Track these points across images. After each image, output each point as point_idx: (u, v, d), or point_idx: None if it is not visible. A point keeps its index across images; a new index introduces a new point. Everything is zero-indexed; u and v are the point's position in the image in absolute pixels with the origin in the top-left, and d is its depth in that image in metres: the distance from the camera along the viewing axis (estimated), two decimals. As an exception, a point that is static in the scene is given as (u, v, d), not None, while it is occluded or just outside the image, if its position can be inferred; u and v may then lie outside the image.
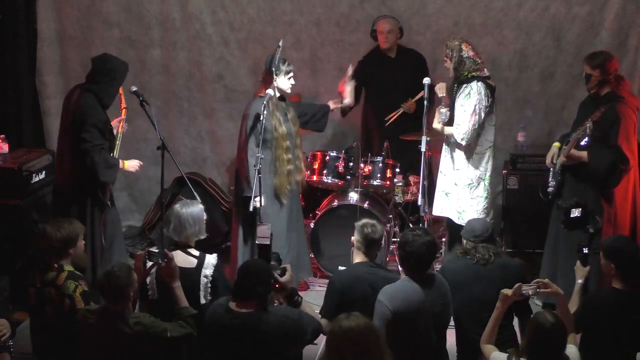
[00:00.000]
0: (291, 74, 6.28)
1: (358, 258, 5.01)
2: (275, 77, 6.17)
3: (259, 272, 4.44)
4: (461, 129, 6.24)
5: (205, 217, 5.21)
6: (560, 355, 4.18)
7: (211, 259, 5.02)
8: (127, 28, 7.99)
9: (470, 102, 6.24)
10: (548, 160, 6.22)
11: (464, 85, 6.29)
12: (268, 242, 4.82)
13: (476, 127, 6.26)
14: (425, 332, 4.68)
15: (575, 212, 5.27)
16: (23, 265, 6.19)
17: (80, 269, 4.97)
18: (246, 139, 6.20)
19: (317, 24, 7.90)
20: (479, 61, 6.33)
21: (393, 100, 7.28)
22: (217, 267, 5.00)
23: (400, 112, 7.20)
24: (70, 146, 6.06)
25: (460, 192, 6.38)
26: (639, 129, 6.21)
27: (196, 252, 5.04)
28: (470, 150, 6.35)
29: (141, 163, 6.39)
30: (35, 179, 6.67)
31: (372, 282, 4.82)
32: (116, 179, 6.20)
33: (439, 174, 6.54)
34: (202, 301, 4.90)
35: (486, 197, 6.44)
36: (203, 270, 4.95)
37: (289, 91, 6.30)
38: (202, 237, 5.16)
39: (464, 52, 6.28)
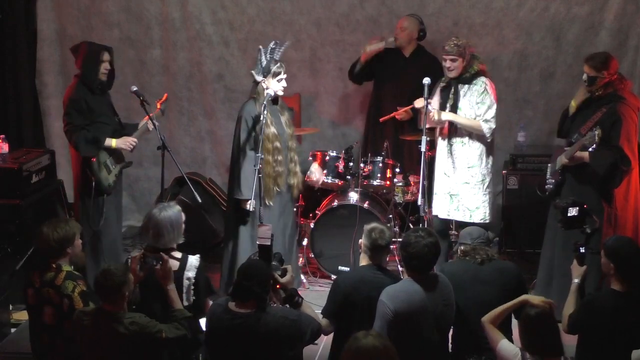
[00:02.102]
0: (280, 76, 6.16)
1: (364, 261, 5.00)
2: (262, 80, 6.13)
3: (258, 273, 4.43)
4: (492, 125, 6.33)
5: (183, 219, 5.04)
6: (554, 342, 4.22)
7: (193, 261, 4.93)
8: (127, 28, 7.99)
9: (489, 97, 6.32)
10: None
11: (472, 83, 6.32)
12: (269, 243, 4.80)
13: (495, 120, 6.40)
14: (427, 333, 4.68)
15: (573, 211, 5.26)
16: (23, 265, 6.19)
17: (79, 268, 4.96)
18: (239, 141, 6.18)
19: (317, 24, 7.90)
20: (479, 56, 6.42)
21: (399, 98, 7.28)
22: (200, 269, 4.92)
23: (392, 116, 7.21)
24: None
25: (473, 190, 6.39)
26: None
27: (178, 254, 4.94)
28: (484, 145, 6.37)
29: (135, 140, 6.36)
30: (35, 179, 6.67)
31: (377, 285, 4.80)
32: (98, 153, 6.25)
33: (442, 175, 6.49)
34: (185, 303, 4.82)
35: (491, 192, 6.47)
36: (185, 272, 4.86)
37: (280, 93, 6.23)
38: (180, 241, 5.01)
39: (470, 48, 6.36)
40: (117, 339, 4.38)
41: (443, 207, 6.46)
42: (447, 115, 6.34)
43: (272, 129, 6.17)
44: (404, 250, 4.76)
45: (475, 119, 6.34)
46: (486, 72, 6.41)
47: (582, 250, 5.03)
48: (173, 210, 5.00)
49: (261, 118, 6.00)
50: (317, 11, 7.87)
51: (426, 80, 6.22)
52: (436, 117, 6.28)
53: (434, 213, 6.47)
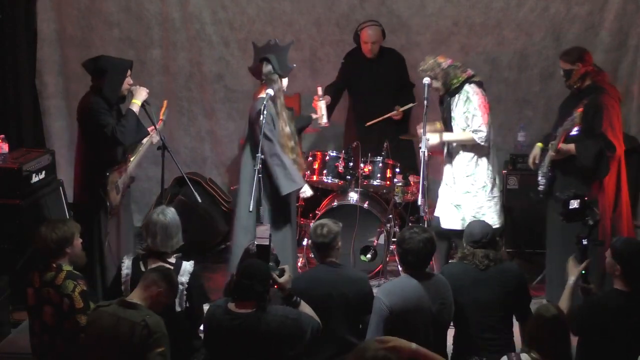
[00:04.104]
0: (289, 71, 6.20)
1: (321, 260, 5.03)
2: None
3: (257, 272, 4.44)
4: (482, 133, 6.22)
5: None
6: (565, 346, 4.20)
7: (187, 266, 4.95)
8: (127, 28, 7.99)
9: (473, 105, 6.22)
10: (530, 161, 6.23)
11: (457, 94, 6.23)
12: (267, 243, 4.80)
13: (489, 122, 6.29)
14: (423, 330, 4.69)
15: (574, 204, 5.27)
16: (23, 265, 6.19)
17: (79, 268, 4.96)
18: (269, 140, 5.97)
19: (317, 24, 7.90)
20: (459, 64, 6.31)
21: (375, 102, 7.26)
22: (194, 274, 4.94)
23: (385, 117, 7.19)
24: (79, 149, 6.08)
25: (476, 197, 6.32)
26: (622, 119, 6.26)
27: (172, 259, 4.97)
28: (480, 151, 6.33)
29: (147, 91, 6.12)
30: (35, 179, 6.66)
31: (332, 282, 4.83)
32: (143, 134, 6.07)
33: (443, 185, 6.45)
34: (177, 309, 4.85)
35: (500, 197, 6.42)
36: (179, 277, 4.87)
37: (285, 90, 6.23)
38: (181, 244, 5.08)
39: (442, 64, 6.26)
40: (118, 340, 4.36)
41: (450, 218, 6.39)
42: (444, 136, 6.30)
43: (288, 129, 6.14)
44: (399, 247, 4.79)
45: (465, 129, 6.28)
46: (473, 77, 6.29)
47: (585, 242, 5.04)
48: (173, 211, 5.08)
49: (261, 118, 5.95)
50: (317, 11, 7.87)
51: (426, 80, 6.21)
52: (432, 143, 6.22)
53: (443, 226, 6.41)
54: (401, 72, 7.40)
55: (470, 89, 6.24)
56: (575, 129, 5.82)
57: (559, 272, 6.01)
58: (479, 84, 6.32)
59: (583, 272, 4.98)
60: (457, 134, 6.30)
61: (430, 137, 6.13)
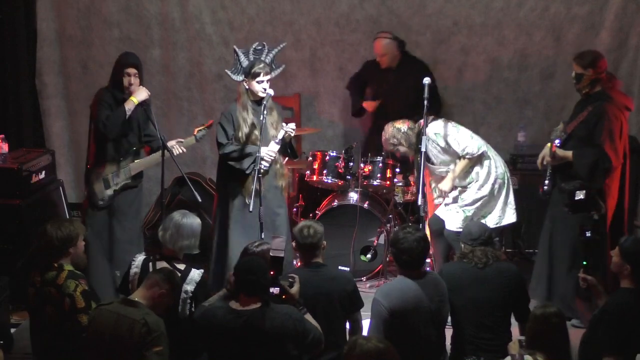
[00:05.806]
0: (260, 77, 6.01)
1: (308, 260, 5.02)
2: (244, 80, 6.07)
3: (260, 267, 4.45)
4: (469, 149, 6.26)
5: (199, 231, 5.13)
6: (564, 344, 4.20)
7: (195, 275, 4.95)
8: (127, 28, 7.99)
9: (442, 137, 6.28)
10: (539, 161, 6.25)
11: (425, 144, 6.02)
12: (282, 255, 4.75)
13: (470, 134, 6.32)
14: (424, 329, 4.70)
15: (580, 195, 5.26)
16: (23, 265, 6.19)
17: (80, 268, 4.96)
18: (217, 142, 6.18)
19: (317, 24, 7.90)
20: (413, 124, 6.38)
21: (396, 110, 7.23)
22: (200, 284, 4.94)
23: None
24: (90, 144, 6.28)
25: (481, 201, 6.38)
26: (629, 128, 6.24)
27: (181, 266, 4.96)
28: (479, 159, 6.36)
29: (148, 92, 6.24)
30: (35, 179, 6.67)
31: (315, 284, 4.83)
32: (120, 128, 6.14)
33: (454, 192, 6.49)
34: (182, 315, 4.86)
35: (500, 195, 6.44)
36: (185, 285, 4.87)
37: (261, 94, 6.03)
38: (195, 252, 5.09)
39: (401, 128, 6.37)
40: (118, 337, 4.36)
41: (455, 220, 6.39)
42: (449, 181, 6.37)
43: (246, 130, 6.09)
44: (394, 247, 4.80)
45: (458, 159, 6.35)
46: (422, 125, 6.21)
47: (588, 234, 5.04)
48: (196, 220, 5.12)
49: (261, 118, 5.97)
50: (317, 11, 7.87)
51: (426, 80, 6.20)
52: (446, 189, 6.38)
53: (447, 228, 6.44)
54: (423, 79, 7.13)
55: (429, 130, 6.25)
56: (557, 141, 5.89)
57: (559, 276, 6.05)
58: (435, 119, 6.37)
59: (584, 262, 4.96)
60: (457, 168, 6.34)
61: (441, 186, 6.36)
